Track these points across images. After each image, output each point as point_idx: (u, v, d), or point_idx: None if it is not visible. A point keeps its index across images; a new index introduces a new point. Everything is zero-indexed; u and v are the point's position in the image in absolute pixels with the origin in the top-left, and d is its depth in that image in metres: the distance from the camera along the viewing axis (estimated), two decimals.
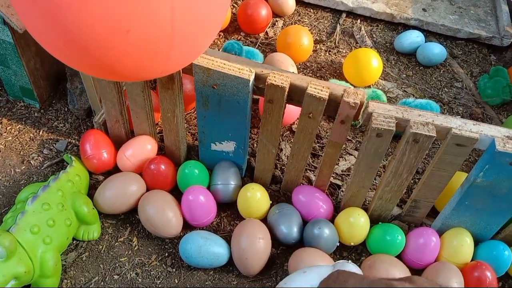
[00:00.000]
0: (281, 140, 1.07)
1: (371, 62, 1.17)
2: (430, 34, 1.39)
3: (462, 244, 0.86)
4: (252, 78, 0.77)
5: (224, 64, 0.77)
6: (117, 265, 0.84)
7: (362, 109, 0.77)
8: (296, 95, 0.79)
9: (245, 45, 1.28)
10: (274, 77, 0.76)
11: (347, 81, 1.21)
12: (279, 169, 1.02)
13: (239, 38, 1.31)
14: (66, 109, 1.07)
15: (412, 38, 1.31)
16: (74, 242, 0.86)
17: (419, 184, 0.85)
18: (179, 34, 0.56)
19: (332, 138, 0.82)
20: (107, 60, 0.55)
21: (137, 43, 0.54)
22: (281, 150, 1.05)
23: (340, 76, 1.24)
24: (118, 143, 0.96)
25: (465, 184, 0.81)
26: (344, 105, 0.75)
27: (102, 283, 0.81)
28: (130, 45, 0.54)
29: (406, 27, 1.39)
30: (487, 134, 0.73)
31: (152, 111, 0.91)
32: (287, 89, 0.76)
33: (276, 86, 0.75)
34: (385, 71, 1.28)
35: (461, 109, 1.22)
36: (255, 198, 0.89)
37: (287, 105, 0.80)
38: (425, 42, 1.33)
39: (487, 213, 0.84)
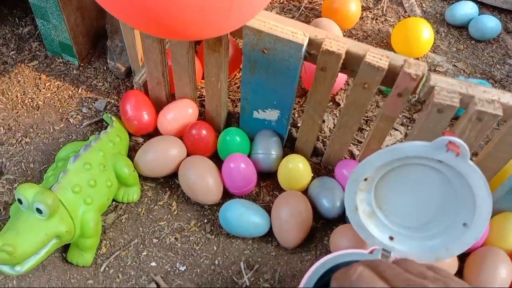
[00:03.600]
0: None
1: (422, 33, 1.11)
2: (483, 7, 1.30)
3: None
4: (306, 42, 0.72)
5: (277, 26, 0.72)
6: (156, 228, 0.83)
7: (422, 82, 0.72)
8: (351, 63, 0.74)
9: (287, 9, 1.23)
10: (330, 42, 0.71)
11: (395, 52, 1.15)
12: (320, 141, 0.98)
13: (281, 1, 1.25)
14: (105, 68, 1.04)
15: (465, 10, 1.23)
16: (114, 203, 0.85)
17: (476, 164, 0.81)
18: None
19: (386, 111, 0.78)
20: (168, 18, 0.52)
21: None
22: (323, 121, 1.01)
23: (388, 46, 1.18)
24: (158, 106, 0.94)
25: None
26: (404, 76, 0.70)
27: (141, 245, 0.81)
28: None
29: None
30: None
31: (195, 74, 0.88)
32: (343, 56, 0.72)
33: (332, 53, 0.71)
34: (435, 43, 1.21)
35: None
36: (297, 169, 0.86)
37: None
38: (479, 14, 1.25)
39: None
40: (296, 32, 0.72)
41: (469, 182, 0.62)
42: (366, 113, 1.03)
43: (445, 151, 0.60)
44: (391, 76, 0.73)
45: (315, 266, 0.66)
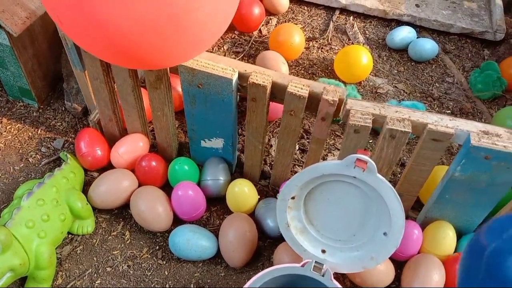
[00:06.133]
0: (271, 136, 1.09)
1: (361, 58, 1.19)
2: (423, 30, 1.40)
3: (444, 237, 0.88)
4: (235, 77, 0.80)
5: (208, 64, 0.80)
6: (109, 257, 0.88)
7: (342, 107, 0.79)
8: (278, 93, 0.81)
9: (238, 43, 1.31)
10: (256, 76, 0.79)
11: (338, 78, 1.23)
12: (268, 164, 1.05)
13: (233, 36, 1.34)
14: (63, 109, 1.11)
15: (403, 34, 1.33)
16: (70, 236, 0.90)
17: (401, 178, 0.87)
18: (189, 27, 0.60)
19: (315, 134, 0.84)
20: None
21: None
22: (271, 146, 1.08)
23: (332, 73, 1.26)
24: (112, 141, 1.00)
25: (444, 178, 0.83)
26: (323, 102, 0.77)
27: (95, 275, 0.85)
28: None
29: (399, 23, 1.40)
30: (463, 129, 0.75)
31: (143, 110, 0.95)
32: (268, 88, 0.79)
33: (258, 85, 0.78)
34: (377, 67, 1.29)
35: (451, 104, 1.23)
36: (243, 192, 0.92)
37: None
38: (417, 37, 1.34)
39: (468, 206, 0.86)
40: (226, 68, 0.80)
41: (381, 194, 0.69)
42: (310, 135, 1.10)
43: (353, 168, 0.67)
44: (315, 102, 0.80)
45: (252, 280, 0.71)
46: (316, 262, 0.75)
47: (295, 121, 0.82)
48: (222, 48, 1.30)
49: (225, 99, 0.83)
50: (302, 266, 0.74)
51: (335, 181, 0.72)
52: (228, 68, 0.80)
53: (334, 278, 0.85)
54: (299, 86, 0.78)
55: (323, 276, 0.73)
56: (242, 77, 0.81)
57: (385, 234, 0.72)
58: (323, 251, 0.78)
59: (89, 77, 0.91)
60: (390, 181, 1.01)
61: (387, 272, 0.85)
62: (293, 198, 0.75)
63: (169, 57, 0.67)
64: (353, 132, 0.76)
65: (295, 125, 0.84)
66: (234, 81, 0.79)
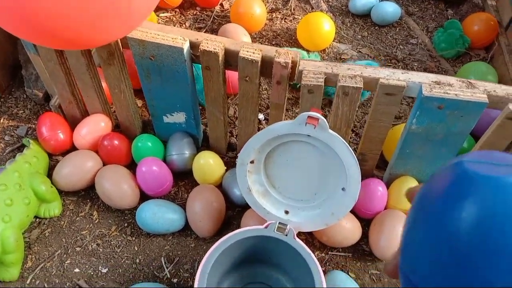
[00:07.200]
0: (236, 108, 1.09)
1: (323, 26, 1.19)
2: None
3: None
4: (186, 46, 0.79)
5: (158, 34, 0.79)
6: (78, 238, 0.88)
7: (296, 69, 0.79)
8: (233, 60, 0.81)
9: (200, 19, 1.30)
10: (207, 43, 0.78)
11: (302, 47, 1.23)
12: (235, 136, 1.05)
13: (195, 13, 1.32)
14: (25, 96, 1.09)
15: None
16: (37, 220, 0.90)
17: (362, 137, 0.88)
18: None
19: (273, 99, 0.84)
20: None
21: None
22: (237, 118, 1.08)
23: (296, 42, 1.26)
24: (75, 124, 0.99)
25: (403, 133, 0.84)
26: (276, 65, 0.77)
27: (64, 255, 0.85)
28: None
29: None
30: (414, 81, 0.76)
31: (101, 88, 0.94)
32: (220, 54, 0.78)
33: (210, 52, 0.78)
34: (341, 34, 1.29)
35: (416, 64, 1.24)
36: (208, 164, 0.92)
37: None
38: (380, 1, 1.34)
39: (429, 159, 0.87)
40: (176, 37, 0.79)
41: (335, 150, 0.69)
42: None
43: (305, 125, 0.67)
44: (269, 67, 0.80)
45: (215, 245, 0.72)
46: (279, 223, 0.76)
47: (251, 87, 0.82)
48: (184, 25, 1.29)
49: (179, 70, 0.82)
50: (266, 227, 0.75)
51: (292, 142, 0.72)
52: (179, 37, 0.79)
53: (303, 240, 0.86)
54: (251, 51, 0.78)
55: (286, 235, 0.74)
56: (195, 46, 0.81)
57: (343, 189, 0.73)
58: (286, 212, 0.78)
59: (43, 59, 0.90)
60: (352, 143, 1.02)
61: (353, 230, 0.86)
62: (252, 162, 0.75)
63: (100, 34, 0.66)
64: (307, 93, 0.77)
65: (252, 92, 0.84)
66: (185, 50, 0.79)
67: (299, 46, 1.24)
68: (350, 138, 1.04)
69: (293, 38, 1.27)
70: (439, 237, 0.28)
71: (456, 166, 0.29)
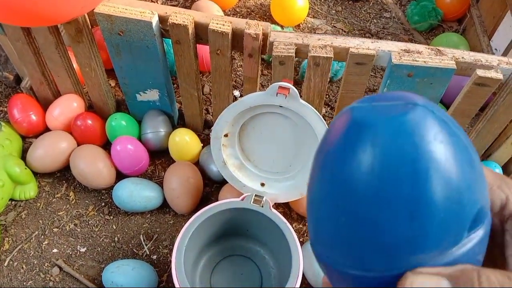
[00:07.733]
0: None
1: (297, 1, 1.19)
2: None
3: None
4: (155, 20, 0.78)
5: (126, 9, 0.78)
6: (55, 219, 0.87)
7: (268, 41, 0.79)
8: (203, 34, 0.80)
9: None
10: (176, 16, 0.77)
11: (276, 23, 1.23)
12: (211, 113, 1.04)
13: None
14: None
15: None
16: (13, 202, 0.89)
17: (336, 109, 0.89)
18: None
19: (245, 73, 0.84)
20: None
21: None
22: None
23: (270, 18, 1.25)
24: (47, 105, 0.97)
25: None
26: (246, 37, 0.77)
27: (42, 236, 0.85)
28: None
29: None
30: (384, 49, 0.76)
31: (72, 68, 0.92)
32: (190, 28, 0.78)
33: (179, 25, 0.77)
34: (315, 9, 1.29)
35: (389, 38, 1.25)
36: (184, 142, 0.92)
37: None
38: None
39: None
40: (144, 11, 0.78)
41: (307, 119, 0.70)
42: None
43: (276, 95, 0.67)
44: (240, 40, 0.79)
45: (192, 218, 0.73)
46: (256, 195, 0.77)
47: (224, 61, 0.82)
48: (156, 2, 1.27)
49: (149, 45, 0.81)
50: (242, 200, 0.75)
51: (265, 114, 0.73)
52: (147, 11, 0.78)
53: (281, 212, 0.87)
54: (221, 23, 0.77)
55: (262, 207, 0.74)
56: (164, 20, 0.80)
57: None
58: (262, 184, 0.79)
59: (10, 39, 0.88)
60: (327, 117, 1.03)
61: None
62: (226, 135, 0.76)
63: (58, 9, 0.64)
64: (279, 64, 0.77)
65: (224, 66, 0.83)
66: (154, 24, 0.78)
67: (273, 21, 1.23)
68: (326, 112, 1.05)
69: (267, 14, 1.26)
70: (335, 193, 0.25)
71: (345, 114, 0.26)
